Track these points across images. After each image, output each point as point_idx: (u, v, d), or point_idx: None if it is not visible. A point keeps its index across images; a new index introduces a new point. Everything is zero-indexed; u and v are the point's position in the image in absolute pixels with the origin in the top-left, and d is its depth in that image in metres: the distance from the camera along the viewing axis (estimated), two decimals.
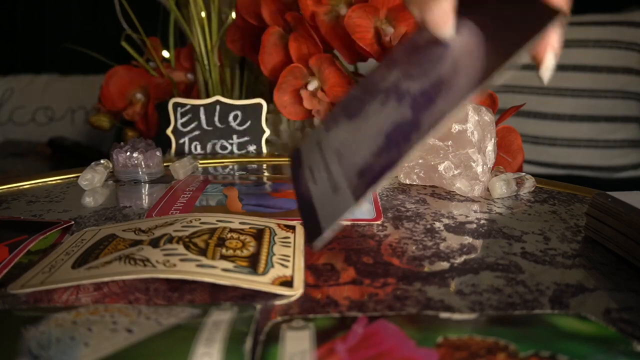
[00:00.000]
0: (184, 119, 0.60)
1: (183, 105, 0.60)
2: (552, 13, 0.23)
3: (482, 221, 0.38)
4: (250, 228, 0.33)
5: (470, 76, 0.26)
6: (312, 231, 0.28)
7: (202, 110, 0.60)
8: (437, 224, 0.37)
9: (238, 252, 0.29)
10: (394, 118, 0.28)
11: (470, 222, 0.38)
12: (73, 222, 0.36)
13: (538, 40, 0.24)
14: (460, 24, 0.28)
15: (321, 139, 0.33)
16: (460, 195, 0.44)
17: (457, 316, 0.23)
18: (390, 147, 0.27)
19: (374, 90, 0.31)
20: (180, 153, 0.61)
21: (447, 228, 0.36)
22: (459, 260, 0.31)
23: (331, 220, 0.27)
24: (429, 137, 0.26)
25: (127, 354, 0.19)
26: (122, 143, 0.50)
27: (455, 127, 0.42)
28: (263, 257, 0.29)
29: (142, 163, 0.49)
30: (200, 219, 0.34)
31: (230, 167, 0.57)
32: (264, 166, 0.58)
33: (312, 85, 0.57)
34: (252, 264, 0.28)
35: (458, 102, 0.26)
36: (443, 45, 0.29)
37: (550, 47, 0.27)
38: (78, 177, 0.47)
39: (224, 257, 0.28)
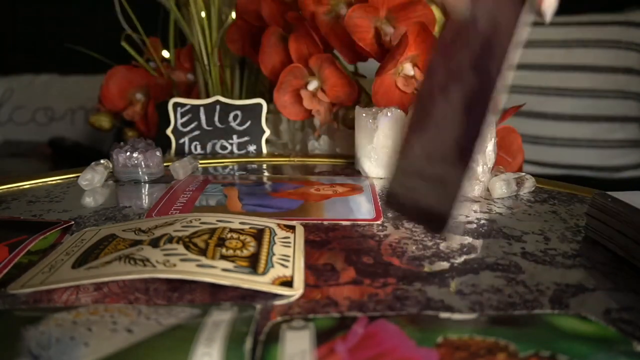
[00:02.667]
0: (184, 119, 0.60)
1: (183, 105, 0.60)
2: None
3: (482, 221, 0.38)
4: (250, 228, 0.33)
5: (505, 25, 0.28)
6: (439, 226, 0.29)
7: (202, 110, 0.60)
8: None
9: (238, 252, 0.29)
10: (463, 94, 0.30)
11: (470, 222, 0.38)
12: (73, 222, 0.36)
13: None
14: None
15: (403, 165, 0.34)
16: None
17: (457, 316, 0.23)
18: (474, 113, 0.29)
19: (430, 99, 0.32)
20: (180, 153, 0.61)
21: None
22: (459, 260, 0.31)
23: (452, 205, 0.28)
24: (503, 82, 0.28)
25: (127, 354, 0.19)
26: (122, 143, 0.50)
27: None
28: (263, 257, 0.29)
29: (142, 163, 0.49)
30: (200, 219, 0.34)
31: (230, 167, 0.57)
32: (264, 166, 0.58)
33: (312, 85, 0.57)
34: (252, 264, 0.28)
35: (510, 44, 0.28)
36: (470, 25, 0.30)
37: None
38: (78, 177, 0.47)
39: (224, 257, 0.28)
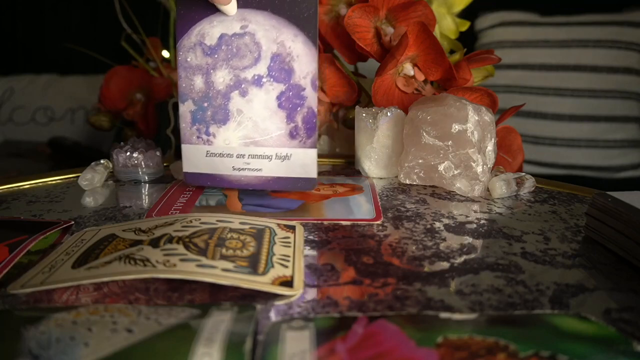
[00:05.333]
0: None
1: None
2: None
3: (482, 221, 0.38)
4: (250, 228, 0.33)
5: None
6: None
7: None
8: (437, 224, 0.37)
9: (238, 252, 0.29)
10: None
11: (470, 222, 0.38)
12: (73, 222, 0.36)
13: None
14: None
15: None
16: (460, 195, 0.44)
17: (457, 316, 0.23)
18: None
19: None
20: (180, 153, 0.61)
21: (447, 228, 0.36)
22: (459, 260, 0.31)
23: None
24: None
25: (127, 354, 0.19)
26: (122, 143, 0.50)
27: (455, 127, 0.43)
28: (263, 257, 0.29)
29: (142, 163, 0.49)
30: (200, 219, 0.34)
31: None
32: None
33: None
34: (252, 264, 0.28)
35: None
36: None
37: None
38: (78, 177, 0.47)
39: (224, 257, 0.28)
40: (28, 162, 1.16)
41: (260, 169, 0.38)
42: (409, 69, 0.51)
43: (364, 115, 0.49)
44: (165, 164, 0.53)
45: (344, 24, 0.51)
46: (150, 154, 0.49)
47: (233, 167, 0.39)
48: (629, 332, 0.23)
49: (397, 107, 0.49)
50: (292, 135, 0.37)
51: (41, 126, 1.35)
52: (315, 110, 0.38)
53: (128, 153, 0.49)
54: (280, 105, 0.37)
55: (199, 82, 0.38)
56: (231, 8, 0.36)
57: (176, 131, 0.60)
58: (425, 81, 0.52)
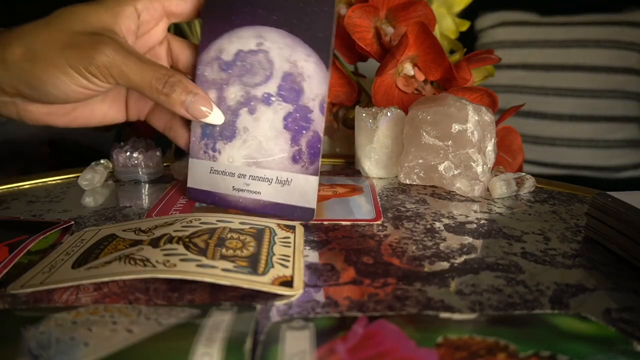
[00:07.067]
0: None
1: None
2: None
3: (482, 221, 0.38)
4: (250, 228, 0.33)
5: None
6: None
7: None
8: (437, 224, 0.37)
9: (238, 252, 0.29)
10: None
11: (470, 222, 0.38)
12: (73, 222, 0.36)
13: None
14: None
15: None
16: (460, 195, 0.44)
17: (457, 316, 0.23)
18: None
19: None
20: (180, 153, 0.61)
21: (447, 228, 0.36)
22: (459, 260, 0.31)
23: None
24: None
25: (127, 354, 0.19)
26: (122, 143, 0.50)
27: (455, 127, 0.43)
28: (263, 257, 0.29)
29: (142, 163, 0.49)
30: (200, 219, 0.34)
31: None
32: None
33: None
34: (252, 264, 0.28)
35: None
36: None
37: None
38: (78, 177, 0.47)
39: (224, 257, 0.28)
40: (28, 162, 1.16)
41: (259, 192, 0.37)
42: (409, 69, 0.51)
43: (364, 115, 0.49)
44: (165, 164, 0.53)
45: (344, 24, 0.51)
46: (150, 154, 0.49)
47: (233, 187, 0.38)
48: (629, 332, 0.23)
49: (397, 107, 0.49)
50: (295, 159, 0.36)
51: (41, 126, 1.35)
52: (321, 135, 0.36)
53: (128, 153, 0.49)
54: (286, 127, 0.36)
55: (212, 97, 0.37)
56: (214, 117, 0.36)
57: None
58: (425, 81, 0.52)
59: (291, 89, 0.36)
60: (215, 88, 0.37)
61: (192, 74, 0.39)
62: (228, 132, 0.38)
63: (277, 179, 0.37)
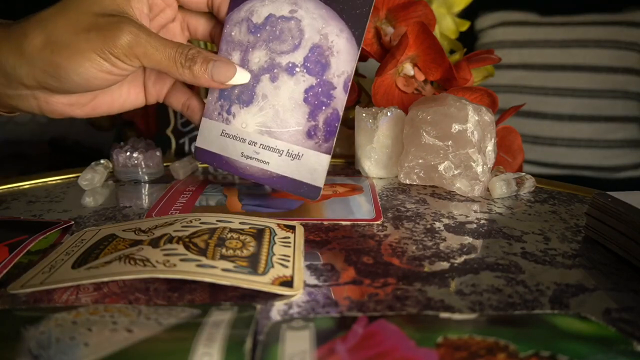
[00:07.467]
0: (184, 119, 0.60)
1: None
2: None
3: (482, 221, 0.38)
4: (250, 228, 0.33)
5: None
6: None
7: None
8: (437, 224, 0.37)
9: (238, 252, 0.29)
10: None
11: (470, 222, 0.38)
12: (73, 222, 0.36)
13: None
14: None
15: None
16: (460, 195, 0.44)
17: (457, 316, 0.23)
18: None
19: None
20: (180, 153, 0.61)
21: (447, 228, 0.36)
22: (459, 260, 0.31)
23: None
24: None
25: (127, 354, 0.19)
26: (122, 143, 0.50)
27: (455, 127, 0.43)
28: (263, 257, 0.29)
29: (142, 163, 0.49)
30: (200, 219, 0.34)
31: None
32: None
33: None
34: (252, 264, 0.28)
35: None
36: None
37: None
38: (78, 177, 0.47)
39: (224, 257, 0.28)
40: (28, 162, 1.16)
41: (267, 162, 0.37)
42: (409, 69, 0.51)
43: (364, 115, 0.49)
44: (165, 164, 0.53)
45: None
46: (150, 154, 0.49)
47: (242, 153, 0.37)
48: (629, 332, 0.23)
49: (397, 107, 0.49)
50: (310, 134, 0.36)
51: (41, 126, 1.35)
52: (341, 113, 0.36)
53: (128, 153, 0.49)
54: (306, 100, 0.35)
55: (236, 58, 0.36)
56: (239, 78, 0.36)
57: (176, 131, 0.60)
58: (425, 81, 0.52)
59: (317, 62, 0.35)
60: (240, 50, 0.37)
61: (212, 40, 0.38)
62: (246, 96, 0.37)
63: (288, 152, 0.36)
